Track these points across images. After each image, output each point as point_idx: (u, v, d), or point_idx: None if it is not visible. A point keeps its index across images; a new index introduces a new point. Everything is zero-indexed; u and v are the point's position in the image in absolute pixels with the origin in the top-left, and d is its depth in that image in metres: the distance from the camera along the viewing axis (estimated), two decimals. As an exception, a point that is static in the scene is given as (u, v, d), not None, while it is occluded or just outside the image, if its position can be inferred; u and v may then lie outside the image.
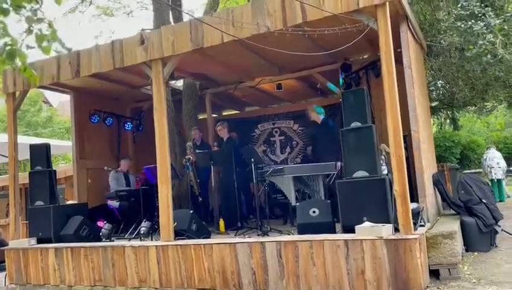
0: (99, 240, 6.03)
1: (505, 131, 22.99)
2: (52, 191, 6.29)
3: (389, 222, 4.28)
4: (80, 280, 5.60)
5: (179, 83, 8.84)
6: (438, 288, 4.20)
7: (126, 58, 5.68)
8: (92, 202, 7.46)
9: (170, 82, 8.03)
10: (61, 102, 27.72)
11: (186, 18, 8.45)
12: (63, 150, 13.15)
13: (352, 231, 4.30)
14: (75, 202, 7.53)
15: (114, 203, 7.17)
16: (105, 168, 7.43)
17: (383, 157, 5.35)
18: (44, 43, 2.60)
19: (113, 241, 6.03)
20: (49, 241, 6.00)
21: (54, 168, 6.61)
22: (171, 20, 8.58)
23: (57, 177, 6.88)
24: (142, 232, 5.84)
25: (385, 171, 5.19)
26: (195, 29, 5.22)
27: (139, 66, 5.70)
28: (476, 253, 5.38)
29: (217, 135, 7.62)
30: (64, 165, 16.15)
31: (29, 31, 2.60)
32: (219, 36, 5.06)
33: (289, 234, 5.18)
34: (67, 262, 5.69)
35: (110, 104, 8.58)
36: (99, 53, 5.87)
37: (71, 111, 8.04)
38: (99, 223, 6.50)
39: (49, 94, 27.01)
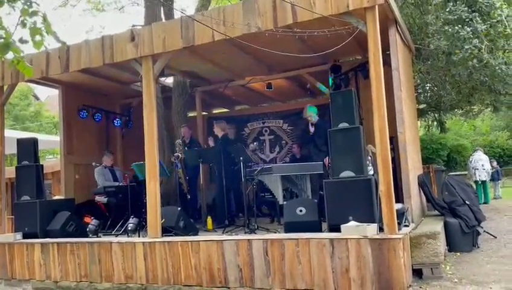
0: (86, 236, 6.01)
1: (491, 135, 23.35)
2: (39, 186, 6.25)
3: (374, 222, 4.36)
4: (65, 276, 5.58)
5: (169, 80, 8.84)
6: (420, 287, 4.28)
7: (116, 54, 5.67)
8: (79, 197, 7.43)
9: (160, 79, 8.03)
10: (49, 96, 27.43)
11: (177, 15, 8.43)
12: (51, 145, 13.03)
13: (338, 230, 4.36)
14: (62, 197, 7.49)
15: (102, 199, 7.15)
16: (93, 164, 7.39)
17: (369, 157, 5.43)
18: (37, 37, 2.59)
19: (100, 237, 6.01)
20: (35, 236, 5.96)
21: (41, 163, 6.57)
22: (163, 16, 8.57)
23: (44, 172, 6.84)
24: (129, 228, 5.84)
25: (371, 172, 5.27)
26: (186, 27, 5.24)
27: (129, 62, 5.69)
28: (458, 253, 5.48)
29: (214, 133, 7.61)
30: (51, 160, 16.01)
31: (22, 24, 2.58)
32: (210, 34, 5.08)
33: (276, 232, 5.23)
34: (53, 257, 5.67)
35: (99, 100, 8.54)
36: (89, 48, 5.85)
37: (59, 106, 7.99)
38: (87, 219, 6.47)
39: (37, 88, 26.72)
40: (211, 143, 7.80)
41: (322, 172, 5.61)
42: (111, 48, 5.69)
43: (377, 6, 4.47)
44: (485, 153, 13.31)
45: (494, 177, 12.88)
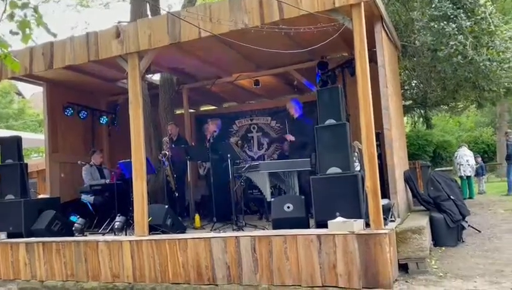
0: (72, 235, 5.95)
1: (476, 131, 23.71)
2: (24, 184, 6.17)
3: (360, 217, 4.39)
4: (51, 275, 5.51)
5: (156, 77, 8.77)
6: (406, 281, 4.33)
7: (101, 51, 5.61)
8: (65, 196, 7.34)
9: (146, 76, 7.96)
10: (34, 94, 27.02)
11: (164, 11, 8.35)
12: (36, 143, 12.85)
13: (325, 226, 4.38)
14: (47, 196, 7.39)
15: (88, 198, 7.07)
16: (79, 162, 7.31)
17: (355, 154, 5.46)
18: (26, 31, 2.51)
19: (86, 236, 5.96)
20: (19, 236, 5.88)
21: (25, 162, 6.47)
22: (149, 13, 8.49)
23: (29, 170, 6.74)
24: (116, 227, 5.79)
25: (358, 168, 5.30)
26: (172, 23, 5.20)
27: (115, 59, 5.63)
28: (443, 248, 5.56)
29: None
30: (36, 159, 15.80)
31: (10, 17, 2.51)
32: (196, 31, 5.05)
33: (264, 229, 5.24)
34: (38, 257, 5.59)
35: (84, 97, 8.44)
36: (74, 45, 5.77)
37: (44, 103, 7.88)
38: (72, 218, 6.40)
39: (21, 86, 26.29)
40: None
41: (310, 169, 5.62)
42: (96, 45, 5.62)
43: (362, 3, 4.49)
44: (470, 149, 13.50)
45: (479, 173, 13.09)
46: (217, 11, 4.97)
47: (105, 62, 6.12)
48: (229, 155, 5.89)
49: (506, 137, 12.09)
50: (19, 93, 27.85)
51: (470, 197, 11.44)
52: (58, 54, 5.86)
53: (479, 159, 13.47)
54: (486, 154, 19.92)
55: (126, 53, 5.47)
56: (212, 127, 7.21)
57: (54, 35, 3.12)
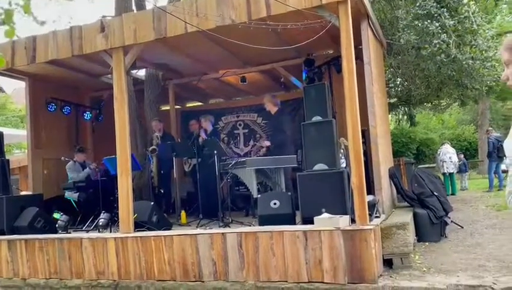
0: (56, 232, 5.86)
1: (458, 128, 24.11)
2: (5, 181, 6.06)
3: (346, 213, 4.43)
4: (34, 273, 5.43)
5: (141, 73, 8.68)
6: (390, 277, 4.38)
7: (85, 46, 5.52)
8: (48, 193, 7.22)
9: (132, 71, 7.87)
10: (15, 89, 26.44)
11: (149, 6, 8.28)
12: (18, 139, 12.60)
13: (312, 222, 4.41)
14: (30, 193, 7.26)
15: (72, 195, 6.98)
16: (62, 158, 7.19)
17: (342, 150, 5.50)
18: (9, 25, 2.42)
19: (70, 233, 5.88)
20: (1, 233, 5.77)
21: (7, 158, 6.34)
22: (134, 7, 8.38)
23: (11, 167, 6.61)
24: (100, 224, 5.72)
25: (344, 165, 5.34)
26: (158, 18, 5.14)
27: (99, 54, 5.55)
28: (427, 243, 5.64)
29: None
30: (18, 155, 15.50)
31: None
32: (182, 26, 5.00)
33: (250, 226, 5.24)
34: (20, 254, 5.50)
35: (68, 93, 8.31)
36: (57, 39, 5.67)
37: (26, 99, 7.71)
38: (55, 215, 6.30)
39: (2, 80, 25.73)
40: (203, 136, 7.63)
41: (296, 165, 5.65)
42: (80, 39, 5.53)
43: (349, 1, 4.51)
44: (453, 146, 13.74)
45: (461, 169, 13.32)
46: (203, 6, 4.93)
47: (89, 57, 6.03)
48: (215, 152, 5.87)
49: (488, 135, 12.31)
50: (0, 88, 27.26)
51: (453, 194, 11.64)
52: (41, 48, 5.75)
53: (462, 156, 13.72)
54: (468, 151, 20.29)
55: (111, 48, 5.40)
56: (205, 124, 7.18)
57: (42, 23, 3.04)
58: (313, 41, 5.05)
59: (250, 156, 8.80)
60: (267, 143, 6.56)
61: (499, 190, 11.39)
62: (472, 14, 6.92)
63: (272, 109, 6.51)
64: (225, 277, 4.62)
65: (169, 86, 8.70)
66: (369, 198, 4.62)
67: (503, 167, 12.10)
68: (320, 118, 4.78)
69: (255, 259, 4.51)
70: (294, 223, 4.83)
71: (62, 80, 7.90)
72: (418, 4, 6.85)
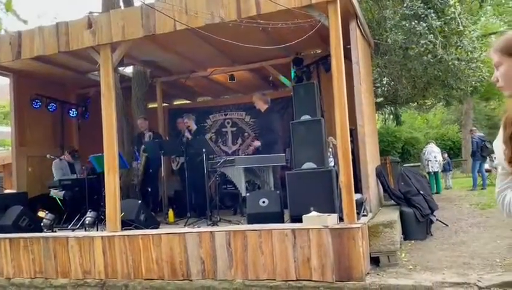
0: (41, 231, 5.76)
1: (442, 128, 24.47)
2: (-12, 179, 5.93)
3: (334, 212, 4.46)
4: (19, 272, 5.34)
5: (128, 70, 8.59)
6: (377, 274, 4.43)
7: (72, 42, 5.44)
8: (33, 191, 7.11)
9: (119, 68, 7.78)
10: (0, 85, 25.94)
11: (137, 2, 8.18)
12: (1, 136, 12.39)
13: (300, 221, 4.43)
14: (14, 191, 7.14)
15: (57, 193, 6.88)
16: (47, 156, 7.09)
17: (330, 149, 5.54)
18: None
19: (55, 232, 5.79)
20: (-16, 232, 5.66)
21: (-10, 155, 6.23)
22: (121, 4, 8.29)
23: (-6, 164, 6.48)
24: (87, 222, 5.66)
25: (332, 163, 5.38)
26: (146, 15, 5.09)
27: (86, 50, 5.47)
28: (413, 241, 5.72)
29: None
30: (2, 152, 15.22)
31: None
32: (171, 24, 4.97)
33: (238, 224, 5.24)
34: (5, 254, 5.40)
35: (53, 89, 8.18)
36: (43, 35, 5.57)
37: (11, 95, 7.57)
38: (40, 213, 6.21)
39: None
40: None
41: (285, 164, 5.66)
42: (67, 35, 5.44)
43: (338, 0, 4.53)
44: (437, 146, 13.94)
45: (446, 169, 13.53)
46: (193, 3, 4.90)
47: (76, 53, 5.95)
48: (204, 150, 5.84)
49: (471, 134, 12.52)
50: (-18, 84, 26.71)
51: (437, 192, 11.82)
52: (26, 44, 5.65)
53: (446, 156, 13.94)
54: (452, 150, 20.62)
55: (98, 44, 5.33)
56: (188, 123, 7.13)
57: (25, 21, 2.99)
58: (302, 40, 5.07)
59: (238, 155, 8.80)
60: (258, 143, 6.55)
61: (482, 189, 11.60)
62: (458, 15, 7.02)
63: (262, 107, 6.50)
64: (213, 275, 4.61)
65: (157, 83, 8.63)
66: (356, 196, 4.66)
67: (486, 166, 12.35)
68: (309, 117, 4.80)
69: (243, 257, 4.51)
70: (283, 222, 4.85)
71: (48, 77, 7.78)
72: (405, 5, 6.92)
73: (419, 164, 13.32)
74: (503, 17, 16.97)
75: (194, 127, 7.19)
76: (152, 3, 5.45)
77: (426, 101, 12.44)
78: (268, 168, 5.85)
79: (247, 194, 5.30)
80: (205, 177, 5.78)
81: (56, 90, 8.26)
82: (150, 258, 4.85)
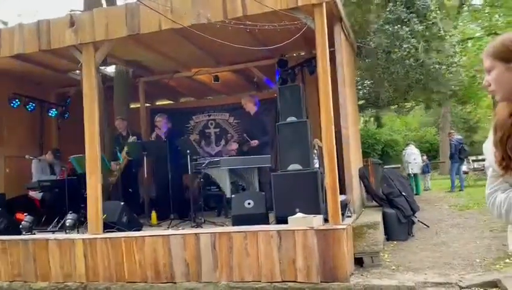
0: (19, 233, 5.61)
1: (420, 130, 24.93)
2: (-36, 180, 5.74)
3: (319, 213, 4.48)
4: (-4, 276, 5.19)
5: (110, 69, 8.46)
6: (361, 275, 4.47)
7: (53, 41, 5.32)
8: (11, 192, 6.91)
9: (100, 68, 7.65)
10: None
11: (120, 2, 8.08)
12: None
13: (286, 222, 4.44)
14: (-9, 192, 6.93)
15: (36, 194, 6.71)
16: (26, 156, 6.91)
17: (315, 151, 5.56)
18: None
19: (34, 234, 5.65)
20: (-40, 235, 5.47)
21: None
22: (103, 2, 8.17)
23: (-30, 165, 6.28)
24: (67, 224, 5.52)
25: (317, 165, 5.41)
26: (131, 14, 5.03)
27: (68, 49, 5.37)
28: (395, 242, 5.80)
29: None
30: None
31: None
32: (156, 23, 4.91)
33: (223, 226, 5.21)
34: (-19, 257, 5.24)
35: (32, 88, 7.97)
36: (23, 33, 5.43)
37: (-13, 94, 7.35)
38: (19, 215, 6.04)
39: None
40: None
41: (270, 165, 5.67)
42: (48, 34, 5.32)
43: (324, 4, 4.57)
44: (416, 148, 14.19)
45: (424, 170, 13.79)
46: (179, 3, 4.86)
47: (57, 52, 5.82)
48: (188, 151, 5.80)
49: (450, 137, 12.79)
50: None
51: (417, 194, 12.01)
52: (5, 42, 5.50)
53: (425, 158, 14.20)
54: (429, 152, 21.02)
55: (81, 43, 5.23)
56: (161, 123, 7.03)
57: (5, 23, 2.91)
58: (287, 42, 5.08)
59: (222, 156, 8.75)
60: (235, 146, 6.55)
61: (460, 190, 11.86)
62: (439, 20, 7.17)
63: (252, 109, 6.52)
64: (198, 277, 4.57)
65: (140, 83, 8.52)
66: (341, 198, 4.69)
67: (464, 168, 12.63)
68: (295, 119, 4.81)
69: (228, 259, 4.49)
70: (268, 223, 4.85)
71: (26, 75, 7.58)
72: (388, 9, 7.03)
73: (399, 165, 13.54)
74: (479, 22, 17.43)
75: (164, 127, 7.05)
76: (137, 2, 5.38)
77: (406, 103, 12.66)
78: (253, 170, 5.84)
79: (232, 195, 5.28)
80: (190, 179, 5.73)
81: (35, 89, 8.05)
82: (133, 260, 4.78)
